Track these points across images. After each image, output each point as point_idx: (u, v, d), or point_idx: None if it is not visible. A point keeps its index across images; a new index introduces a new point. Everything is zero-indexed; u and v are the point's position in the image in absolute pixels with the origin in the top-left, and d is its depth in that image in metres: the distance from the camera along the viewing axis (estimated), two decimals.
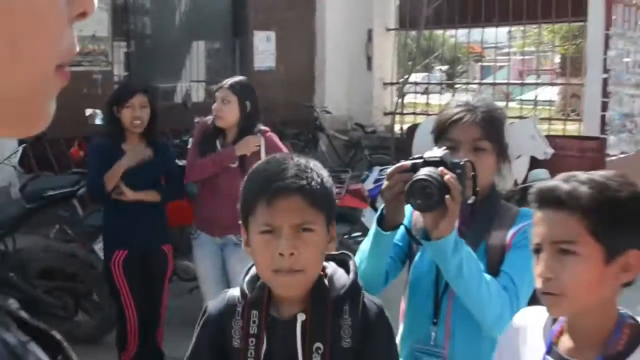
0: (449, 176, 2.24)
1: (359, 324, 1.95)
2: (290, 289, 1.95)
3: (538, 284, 1.78)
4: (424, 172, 2.27)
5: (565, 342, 1.86)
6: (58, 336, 0.78)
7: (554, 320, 1.91)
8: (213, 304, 2.09)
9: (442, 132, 2.59)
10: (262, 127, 5.09)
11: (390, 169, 2.38)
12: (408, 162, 2.35)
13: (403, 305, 2.69)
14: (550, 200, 1.76)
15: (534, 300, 2.12)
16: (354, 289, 1.99)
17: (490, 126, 2.55)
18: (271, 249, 1.88)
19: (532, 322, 1.97)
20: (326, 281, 1.99)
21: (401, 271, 2.69)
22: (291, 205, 1.87)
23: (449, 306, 2.52)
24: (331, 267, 2.05)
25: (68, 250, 5.67)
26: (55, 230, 6.31)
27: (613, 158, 7.94)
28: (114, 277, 4.94)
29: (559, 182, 1.77)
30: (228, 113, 4.93)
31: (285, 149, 5.14)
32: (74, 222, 6.15)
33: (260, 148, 4.96)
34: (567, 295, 1.75)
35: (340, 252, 2.15)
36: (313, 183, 1.88)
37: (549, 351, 1.87)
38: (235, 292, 2.06)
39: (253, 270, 2.06)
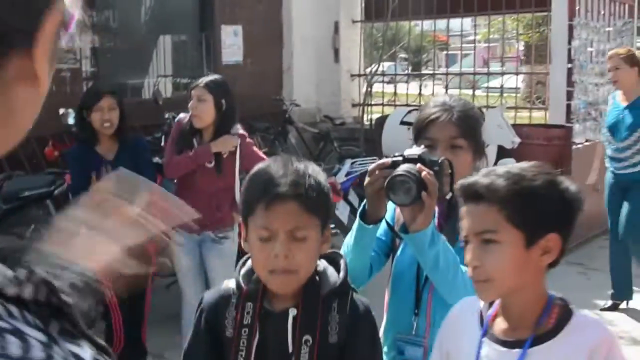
0: (425, 172, 2.36)
1: (346, 321, 2.03)
2: (285, 287, 2.04)
3: (469, 272, 1.91)
4: (402, 169, 2.39)
5: (500, 324, 1.98)
6: (110, 350, 0.82)
7: (490, 306, 2.02)
8: (209, 294, 2.19)
9: (420, 131, 2.71)
10: (240, 132, 5.09)
11: (371, 165, 2.49)
12: (389, 160, 2.47)
13: (387, 297, 2.79)
14: (471, 194, 1.89)
15: None
16: (343, 287, 2.09)
17: (466, 125, 2.67)
18: (267, 251, 1.97)
19: (469, 309, 2.08)
20: (317, 278, 2.08)
21: (385, 265, 2.79)
22: (287, 211, 1.95)
23: (430, 298, 2.62)
24: (322, 264, 2.14)
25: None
26: (30, 230, 6.30)
27: (579, 146, 8.07)
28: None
29: (479, 177, 1.90)
30: (204, 112, 4.95)
31: (261, 154, 5.19)
32: (49, 222, 6.14)
33: (236, 150, 4.98)
34: (493, 281, 1.88)
35: (332, 250, 2.23)
36: (310, 190, 1.95)
37: (485, 334, 1.98)
38: (230, 283, 2.14)
39: (249, 264, 2.12)
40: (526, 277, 1.90)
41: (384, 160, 2.50)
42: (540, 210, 1.88)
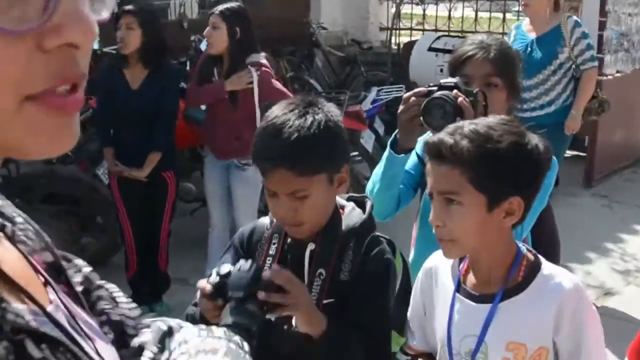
0: (462, 98, 2.38)
1: (359, 261, 2.06)
2: (297, 234, 2.09)
3: (433, 230, 1.92)
4: (439, 93, 2.41)
5: (471, 279, 2.00)
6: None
7: (461, 260, 2.04)
8: (244, 228, 2.28)
9: (456, 69, 2.73)
10: (261, 60, 5.06)
11: (398, 93, 2.50)
12: (424, 88, 2.49)
13: (414, 232, 2.81)
14: (435, 153, 1.88)
15: None
16: (362, 228, 2.11)
17: (502, 64, 2.69)
18: (275, 205, 2.04)
19: (441, 263, 2.10)
20: (343, 217, 2.12)
21: (413, 198, 2.82)
22: (282, 177, 1.98)
23: None
24: (349, 206, 2.17)
25: (71, 174, 5.71)
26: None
27: (610, 77, 7.93)
28: (113, 198, 5.10)
29: (445, 135, 1.87)
30: (217, 39, 4.94)
31: (279, 86, 5.17)
32: (75, 145, 6.18)
33: (254, 83, 4.96)
34: (456, 241, 1.89)
35: (362, 195, 2.29)
36: (306, 153, 1.95)
37: (458, 289, 2.01)
38: (265, 220, 2.22)
39: None
40: (490, 238, 1.92)
41: (419, 89, 2.52)
42: (504, 175, 1.87)
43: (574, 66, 5.73)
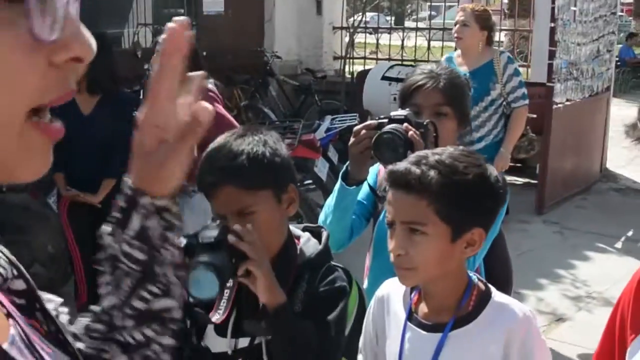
0: (412, 132, 2.38)
1: (313, 292, 2.05)
2: None
3: (391, 258, 1.90)
4: (389, 127, 2.41)
5: (423, 308, 2.00)
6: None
7: (412, 289, 2.04)
8: None
9: (406, 98, 2.74)
10: (209, 86, 5.10)
11: (351, 121, 2.52)
12: (375, 121, 2.49)
13: (368, 262, 2.82)
14: (401, 183, 1.86)
15: None
16: (318, 258, 2.11)
17: (452, 93, 2.70)
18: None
19: (393, 291, 2.09)
20: (298, 249, 2.12)
21: (365, 228, 2.83)
22: (227, 194, 2.00)
23: None
24: (305, 236, 2.18)
25: (22, 202, 5.64)
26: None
27: (560, 105, 8.07)
28: (62, 226, 5.04)
29: (410, 165, 1.87)
30: None
31: (222, 111, 5.14)
32: None
33: None
34: (416, 269, 1.88)
35: (317, 225, 2.32)
36: (247, 167, 1.98)
37: (409, 317, 2.00)
38: None
39: None
40: (449, 267, 1.92)
41: (370, 122, 2.52)
42: (469, 206, 1.88)
43: (504, 103, 5.58)
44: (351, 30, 11.51)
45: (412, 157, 1.93)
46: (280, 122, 7.97)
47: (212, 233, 1.93)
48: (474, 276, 2.00)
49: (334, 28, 12.10)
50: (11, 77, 0.71)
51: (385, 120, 2.47)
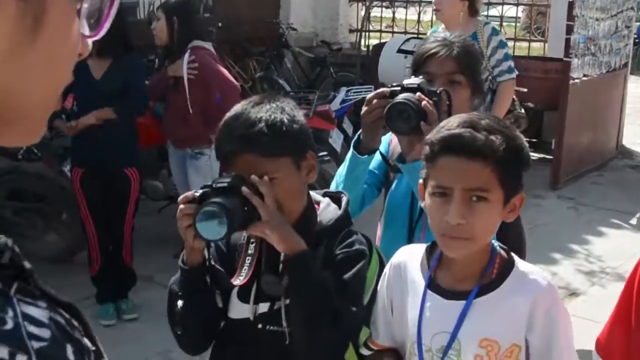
0: (425, 102, 2.35)
1: (330, 257, 2.06)
2: None
3: (442, 228, 1.85)
4: (402, 97, 2.37)
5: (444, 276, 1.98)
6: (76, 307, 0.82)
7: (431, 255, 2.02)
8: None
9: (419, 66, 2.71)
10: (197, 44, 5.32)
11: (367, 93, 2.48)
12: (387, 89, 2.46)
13: (379, 232, 2.81)
14: (462, 148, 1.82)
15: None
16: (338, 223, 2.11)
17: (466, 61, 2.67)
18: None
19: (410, 259, 2.07)
20: (318, 213, 2.13)
21: (377, 198, 2.81)
22: (248, 162, 1.99)
23: (422, 235, 2.62)
24: (325, 202, 2.18)
25: (37, 171, 5.66)
26: (22, 151, 6.28)
27: (577, 81, 8.01)
28: (75, 194, 5.08)
29: (469, 130, 1.82)
30: (159, 30, 5.33)
31: (220, 68, 5.40)
32: (41, 143, 6.12)
33: (185, 67, 5.22)
34: (474, 239, 1.85)
35: (337, 190, 2.31)
36: (262, 137, 1.98)
37: (429, 285, 1.98)
38: None
39: None
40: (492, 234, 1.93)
41: (382, 89, 2.49)
42: (519, 171, 1.89)
43: (490, 77, 5.17)
44: (367, 3, 11.44)
45: (457, 121, 1.88)
46: (295, 93, 7.96)
47: (226, 179, 1.96)
48: (496, 244, 1.99)
49: (350, 1, 12.03)
50: (71, 58, 0.79)
51: (398, 89, 2.44)
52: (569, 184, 8.19)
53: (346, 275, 2.02)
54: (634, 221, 7.21)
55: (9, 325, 0.68)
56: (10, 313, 0.69)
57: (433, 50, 2.66)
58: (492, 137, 1.81)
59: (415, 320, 1.97)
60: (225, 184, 1.94)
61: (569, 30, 7.77)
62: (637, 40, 14.85)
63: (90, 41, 0.81)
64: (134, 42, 5.15)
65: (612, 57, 8.75)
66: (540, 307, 1.88)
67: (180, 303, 2.06)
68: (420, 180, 1.98)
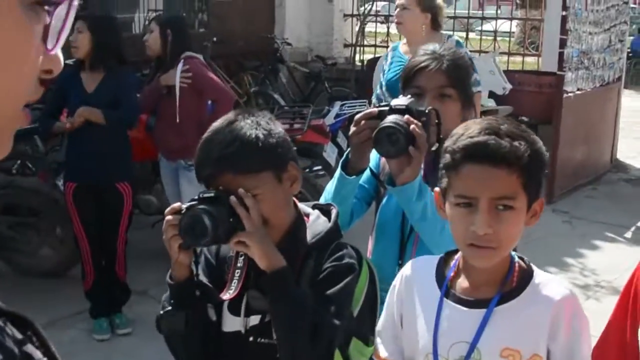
0: (414, 126, 2.33)
1: (319, 268, 2.05)
2: None
3: (469, 238, 1.81)
4: (390, 120, 2.35)
5: (462, 284, 1.94)
6: (29, 318, 0.84)
7: (446, 265, 1.99)
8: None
9: (408, 79, 2.69)
10: (190, 54, 5.39)
11: (360, 108, 2.47)
12: (375, 110, 2.44)
13: (370, 246, 2.79)
14: (487, 156, 1.78)
15: None
16: (328, 236, 2.11)
17: (456, 74, 2.64)
18: None
19: (422, 271, 2.04)
20: (307, 225, 2.12)
21: (365, 212, 2.79)
22: (226, 183, 1.99)
23: (414, 250, 2.61)
24: (314, 214, 2.18)
25: (31, 185, 5.65)
26: (17, 165, 6.27)
27: (570, 94, 8.03)
28: (68, 209, 5.07)
29: (493, 137, 1.79)
30: (152, 42, 5.41)
31: (212, 76, 5.48)
32: (35, 157, 6.12)
33: (177, 77, 5.28)
34: (501, 247, 1.82)
35: (327, 203, 2.30)
36: (242, 152, 1.98)
37: (446, 294, 1.94)
38: None
39: None
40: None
41: (370, 109, 2.48)
42: (541, 177, 1.87)
43: None
44: (362, 18, 11.47)
45: (477, 127, 1.83)
46: (289, 107, 7.97)
47: (213, 191, 1.97)
48: (514, 252, 1.96)
49: (344, 15, 12.07)
50: (30, 66, 0.77)
51: (386, 109, 2.41)
52: (563, 198, 8.19)
53: (332, 290, 2.01)
54: (628, 235, 7.21)
55: None
56: None
57: (423, 64, 2.64)
58: (516, 144, 1.78)
59: (430, 332, 1.94)
60: (212, 194, 1.95)
61: (563, 44, 7.80)
62: (630, 54, 14.93)
63: (61, 57, 0.81)
64: (129, 57, 5.17)
65: (606, 71, 8.78)
66: (563, 315, 1.85)
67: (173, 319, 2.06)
68: (437, 189, 1.96)
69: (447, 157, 1.87)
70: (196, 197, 1.96)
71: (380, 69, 5.37)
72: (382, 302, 2.48)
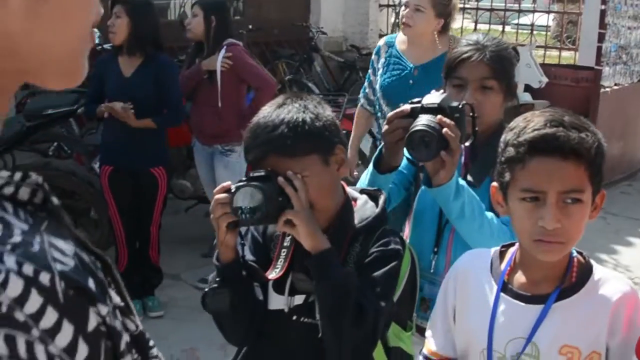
0: (446, 129, 2.28)
1: (365, 252, 2.08)
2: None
3: (537, 233, 1.77)
4: (422, 122, 2.31)
5: (519, 279, 1.90)
6: (109, 260, 0.88)
7: (501, 258, 1.96)
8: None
9: (450, 70, 2.67)
10: (232, 41, 5.40)
11: (390, 113, 2.45)
12: (407, 107, 2.40)
13: (406, 232, 2.78)
14: (557, 149, 1.74)
15: None
16: (375, 221, 2.14)
17: (498, 65, 2.61)
18: None
19: (477, 262, 2.01)
20: (355, 209, 2.16)
21: (403, 197, 2.78)
22: (273, 166, 2.01)
23: (451, 238, 2.61)
24: (362, 199, 2.21)
25: (67, 167, 5.70)
26: (53, 147, 6.33)
27: (608, 90, 7.96)
28: (104, 192, 5.12)
29: (561, 129, 1.75)
30: (195, 26, 5.38)
31: (252, 62, 5.48)
32: (72, 140, 6.18)
33: (219, 63, 5.30)
34: (569, 242, 1.79)
35: (375, 188, 2.32)
36: (290, 135, 2.01)
37: (503, 289, 1.91)
38: None
39: None
40: None
41: (402, 107, 2.45)
42: (602, 166, 1.82)
43: None
44: (397, 8, 11.42)
45: (542, 119, 1.79)
46: (324, 95, 7.96)
47: (263, 171, 1.99)
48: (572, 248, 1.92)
49: (380, 5, 12.02)
50: (86, 12, 0.85)
51: (418, 106, 2.38)
52: None
53: (377, 273, 2.03)
54: None
55: (35, 248, 0.72)
56: (38, 239, 0.73)
57: (465, 55, 2.61)
58: (583, 135, 1.74)
59: (484, 326, 1.90)
60: (262, 173, 1.97)
61: (601, 38, 7.73)
62: None
63: (101, 9, 0.88)
64: (164, 43, 5.19)
65: None
66: (623, 312, 1.81)
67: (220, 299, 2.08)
68: (495, 184, 1.92)
69: (510, 151, 1.81)
70: (244, 177, 1.98)
71: (371, 64, 4.81)
72: (420, 290, 2.48)
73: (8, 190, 0.77)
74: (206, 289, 2.09)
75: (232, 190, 1.96)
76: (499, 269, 1.95)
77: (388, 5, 11.96)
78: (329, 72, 10.79)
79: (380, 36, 11.95)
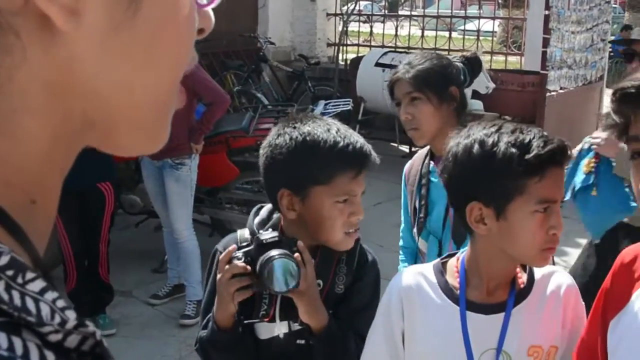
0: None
1: (351, 272, 2.13)
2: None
3: (547, 242, 1.77)
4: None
5: (473, 293, 1.90)
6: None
7: (442, 276, 1.94)
8: (222, 244, 2.19)
9: (391, 91, 2.88)
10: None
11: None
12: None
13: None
14: (565, 156, 1.80)
15: None
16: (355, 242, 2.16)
17: (421, 78, 2.77)
18: (347, 210, 2.03)
19: (420, 282, 1.96)
20: None
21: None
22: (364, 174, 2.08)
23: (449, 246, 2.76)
24: None
25: None
26: None
27: (553, 93, 8.07)
28: None
29: (557, 138, 1.79)
30: None
31: (207, 77, 5.41)
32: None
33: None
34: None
35: None
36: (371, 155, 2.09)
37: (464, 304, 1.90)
38: (245, 232, 2.15)
39: (263, 212, 2.19)
40: None
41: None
42: None
43: None
44: (345, 17, 11.48)
45: (539, 137, 1.79)
46: (273, 106, 7.95)
47: (270, 234, 1.96)
48: None
49: (327, 15, 12.07)
50: (185, 35, 0.64)
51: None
52: None
53: (373, 308, 2.07)
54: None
55: None
56: None
57: (395, 76, 2.83)
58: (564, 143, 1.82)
59: (460, 343, 1.87)
60: (276, 238, 1.94)
61: (545, 43, 7.83)
62: (612, 54, 15.00)
63: (211, 13, 0.69)
64: None
65: (588, 70, 8.83)
66: (569, 303, 1.89)
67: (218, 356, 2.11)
68: (476, 203, 1.82)
69: (518, 168, 1.75)
70: (260, 241, 1.95)
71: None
72: None
73: (55, 337, 0.60)
74: (203, 340, 2.10)
75: (239, 258, 1.94)
76: (452, 284, 1.93)
77: (335, 14, 12.02)
78: (278, 82, 10.80)
79: (328, 45, 12.01)
